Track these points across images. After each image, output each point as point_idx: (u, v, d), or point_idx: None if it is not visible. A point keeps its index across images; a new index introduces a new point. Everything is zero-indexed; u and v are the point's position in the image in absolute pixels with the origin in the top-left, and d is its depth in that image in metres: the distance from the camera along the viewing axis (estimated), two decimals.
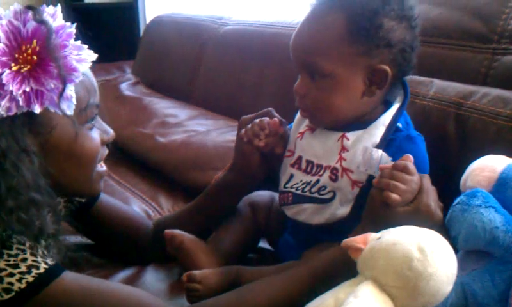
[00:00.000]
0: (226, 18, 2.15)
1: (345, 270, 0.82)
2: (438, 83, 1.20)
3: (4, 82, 0.76)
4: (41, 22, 0.80)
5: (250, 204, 1.17)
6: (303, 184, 1.03)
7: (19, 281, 0.75)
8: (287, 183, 1.06)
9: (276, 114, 1.11)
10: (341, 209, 0.98)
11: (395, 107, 1.01)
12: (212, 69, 2.09)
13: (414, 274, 0.72)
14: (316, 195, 1.00)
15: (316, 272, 0.89)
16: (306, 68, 0.99)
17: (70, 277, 0.79)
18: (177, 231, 1.07)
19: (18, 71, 0.78)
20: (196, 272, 0.99)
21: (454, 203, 0.86)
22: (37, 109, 0.79)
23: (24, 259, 0.76)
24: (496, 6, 1.24)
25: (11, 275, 0.75)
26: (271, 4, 2.30)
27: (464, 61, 1.26)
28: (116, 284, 0.99)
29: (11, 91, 0.77)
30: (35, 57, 0.79)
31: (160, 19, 2.52)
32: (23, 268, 0.76)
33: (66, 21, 0.82)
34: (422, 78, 1.21)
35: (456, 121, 1.12)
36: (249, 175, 1.10)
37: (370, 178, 0.94)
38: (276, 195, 1.12)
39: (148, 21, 2.69)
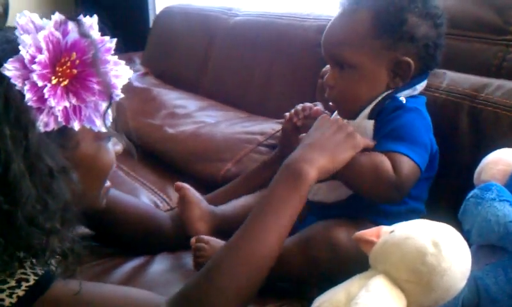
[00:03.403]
0: (235, 9, 2.14)
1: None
2: (451, 75, 1.19)
3: (46, 97, 0.73)
4: (85, 35, 0.77)
5: None
6: None
7: (9, 296, 0.72)
8: None
9: (321, 107, 1.21)
10: None
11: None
12: (222, 60, 2.08)
13: (428, 268, 0.71)
14: None
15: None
16: (335, 61, 1.06)
17: (61, 284, 0.76)
18: (185, 184, 1.18)
19: (56, 85, 0.75)
20: (204, 236, 1.06)
21: (467, 197, 0.85)
22: (76, 126, 0.77)
23: (12, 273, 0.73)
24: None
25: (1, 291, 0.72)
26: None
27: (478, 52, 1.24)
28: (111, 286, 0.97)
29: (51, 106, 0.74)
30: (74, 71, 0.77)
31: (170, 10, 2.51)
32: (12, 282, 0.73)
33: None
34: (435, 70, 1.19)
35: (469, 113, 1.11)
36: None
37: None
38: None
39: (157, 12, 2.68)
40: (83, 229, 1.19)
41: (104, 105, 0.80)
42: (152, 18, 2.86)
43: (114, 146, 0.91)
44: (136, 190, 1.52)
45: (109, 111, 0.81)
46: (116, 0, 2.85)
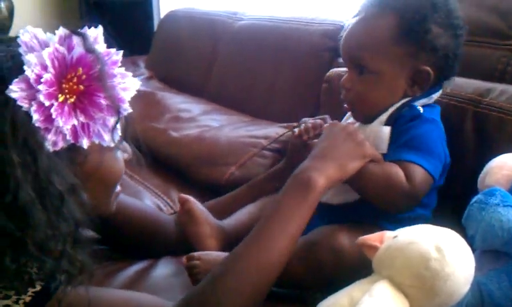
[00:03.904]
0: (240, 13, 2.14)
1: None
2: (455, 80, 1.18)
3: (53, 116, 0.71)
4: (90, 50, 0.75)
5: None
6: None
7: (16, 302, 0.71)
8: None
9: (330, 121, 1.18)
10: None
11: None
12: (226, 64, 2.08)
13: (431, 273, 0.71)
14: None
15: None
16: (354, 63, 1.06)
17: (68, 289, 0.74)
18: (190, 197, 1.14)
19: (64, 103, 0.73)
20: (195, 253, 1.04)
21: (471, 202, 0.85)
22: (85, 144, 0.75)
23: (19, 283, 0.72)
24: None
25: (7, 297, 0.71)
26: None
27: (482, 57, 1.24)
28: (117, 291, 0.97)
29: (59, 125, 0.72)
30: (81, 87, 0.75)
31: (174, 14, 2.51)
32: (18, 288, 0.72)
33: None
34: None
35: (474, 118, 1.11)
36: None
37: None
38: None
39: (162, 16, 2.69)
40: (88, 232, 1.20)
41: (112, 119, 0.78)
42: (156, 21, 2.87)
43: (123, 153, 0.91)
44: (139, 193, 1.52)
45: (118, 125, 0.79)
46: (120, 4, 2.86)
